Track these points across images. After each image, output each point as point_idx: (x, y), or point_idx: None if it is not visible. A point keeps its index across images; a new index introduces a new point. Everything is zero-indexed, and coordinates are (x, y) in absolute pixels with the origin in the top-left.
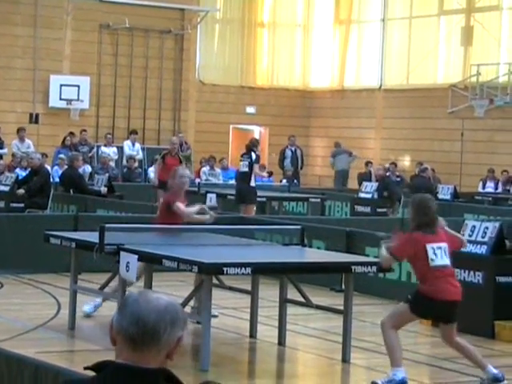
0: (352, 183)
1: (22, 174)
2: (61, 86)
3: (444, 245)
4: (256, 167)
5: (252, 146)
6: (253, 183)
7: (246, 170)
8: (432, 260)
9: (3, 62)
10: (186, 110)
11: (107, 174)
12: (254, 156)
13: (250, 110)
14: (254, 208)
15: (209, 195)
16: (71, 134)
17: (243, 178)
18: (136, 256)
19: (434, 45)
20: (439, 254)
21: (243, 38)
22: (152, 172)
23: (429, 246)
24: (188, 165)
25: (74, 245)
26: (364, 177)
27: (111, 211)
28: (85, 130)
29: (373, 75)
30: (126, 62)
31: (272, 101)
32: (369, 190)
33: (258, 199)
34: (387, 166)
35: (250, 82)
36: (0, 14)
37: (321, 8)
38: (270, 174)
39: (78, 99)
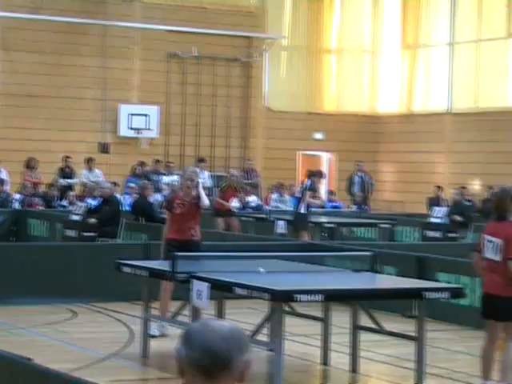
0: (421, 208)
1: (93, 203)
2: (130, 115)
3: (497, 240)
4: (308, 194)
5: (311, 174)
6: (302, 210)
7: (299, 196)
8: (483, 250)
9: (74, 92)
10: (254, 137)
11: None
12: (308, 183)
13: (318, 136)
14: (306, 235)
15: (278, 222)
16: (141, 163)
17: (296, 204)
18: (207, 284)
19: (503, 67)
20: (487, 247)
21: (310, 65)
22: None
23: (484, 237)
24: (251, 192)
25: (146, 273)
26: (433, 201)
27: None
28: (160, 161)
29: (441, 99)
30: (194, 90)
31: (340, 126)
32: (439, 214)
33: (328, 225)
34: (463, 190)
35: (317, 108)
36: (70, 45)
37: (388, 33)
38: (330, 200)
39: (147, 128)
